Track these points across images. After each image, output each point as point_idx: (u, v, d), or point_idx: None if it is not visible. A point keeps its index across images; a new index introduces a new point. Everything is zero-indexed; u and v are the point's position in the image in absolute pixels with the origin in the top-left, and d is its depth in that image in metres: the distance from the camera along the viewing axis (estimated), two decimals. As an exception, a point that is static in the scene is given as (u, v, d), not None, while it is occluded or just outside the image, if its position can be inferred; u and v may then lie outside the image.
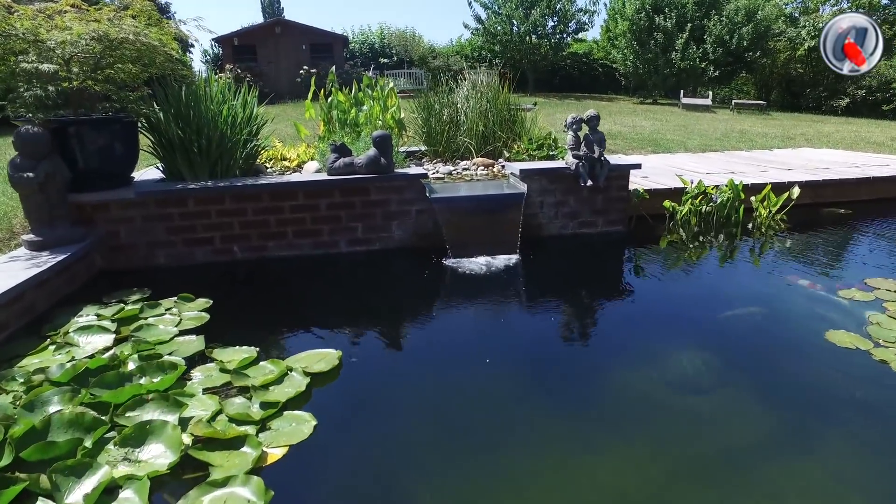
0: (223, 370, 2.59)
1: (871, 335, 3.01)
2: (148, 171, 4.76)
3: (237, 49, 24.61)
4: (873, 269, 4.22)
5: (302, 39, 24.99)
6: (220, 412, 2.26)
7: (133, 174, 4.34)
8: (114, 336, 2.90)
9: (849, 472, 2.10)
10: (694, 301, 3.73)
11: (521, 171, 4.54)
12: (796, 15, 25.55)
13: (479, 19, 27.20)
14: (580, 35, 28.13)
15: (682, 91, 21.99)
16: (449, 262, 4.20)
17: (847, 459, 2.18)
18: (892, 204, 6.24)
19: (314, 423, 2.22)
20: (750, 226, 5.31)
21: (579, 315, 3.51)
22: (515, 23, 25.82)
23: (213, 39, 26.12)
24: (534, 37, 26.23)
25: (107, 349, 2.78)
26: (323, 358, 2.72)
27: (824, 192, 6.09)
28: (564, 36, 26.98)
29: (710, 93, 22.56)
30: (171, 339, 2.90)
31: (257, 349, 2.80)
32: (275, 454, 2.04)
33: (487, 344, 3.10)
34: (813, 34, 22.17)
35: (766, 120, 17.07)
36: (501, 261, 4.24)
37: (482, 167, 5.26)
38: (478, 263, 4.17)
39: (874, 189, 6.27)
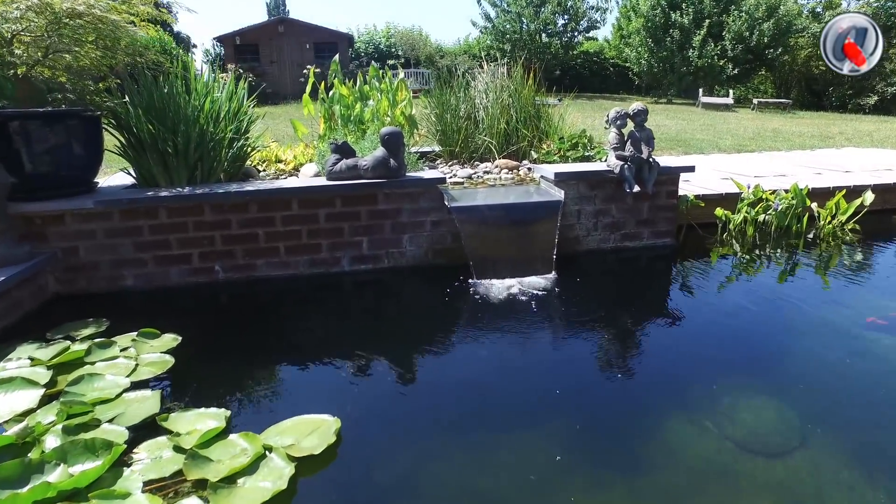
0: (178, 448, 1.89)
1: None
2: (116, 177, 4.08)
3: (239, 48, 24.06)
4: None
5: (306, 38, 24.41)
6: (162, 527, 1.57)
7: (97, 180, 3.66)
8: (42, 392, 2.22)
9: None
10: (760, 332, 3.01)
11: (557, 174, 3.83)
12: (819, 10, 24.68)
13: (487, 17, 26.50)
14: (591, 33, 27.46)
15: (700, 90, 21.20)
16: (472, 283, 3.50)
17: None
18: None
19: (298, 547, 1.52)
20: (811, 236, 4.59)
21: (625, 350, 2.80)
22: (525, 21, 25.10)
23: (214, 39, 25.63)
24: (544, 35, 25.52)
25: (28, 413, 2.10)
26: (315, 429, 2.03)
27: (893, 196, 5.34)
28: (575, 34, 26.27)
29: (731, 91, 21.73)
30: (118, 395, 2.22)
31: (228, 413, 2.11)
32: None
33: (521, 392, 2.41)
34: (837, 30, 21.32)
35: (793, 119, 16.27)
36: (535, 282, 3.54)
37: (506, 170, 4.57)
38: (507, 286, 3.47)
39: (950, 194, 5.51)
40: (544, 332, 2.99)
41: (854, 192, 4.88)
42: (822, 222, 4.69)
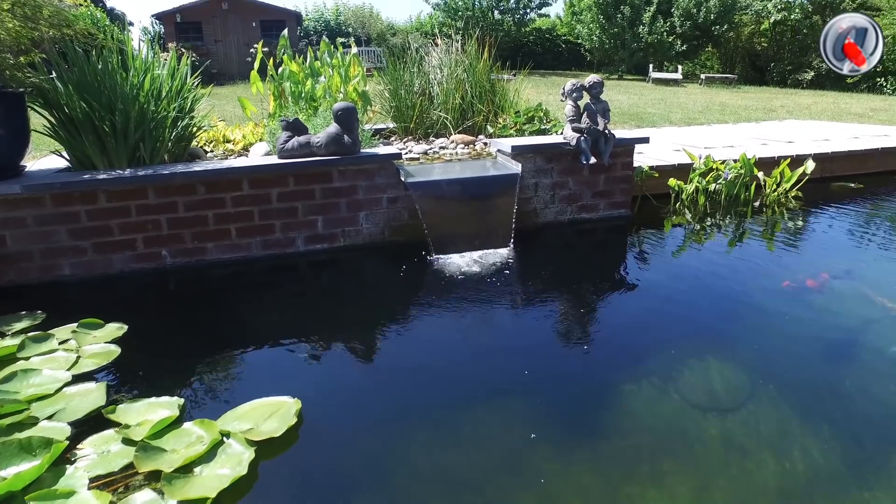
0: (127, 441, 1.79)
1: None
2: (47, 160, 3.82)
3: (181, 27, 22.94)
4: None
5: (252, 16, 23.47)
6: (111, 524, 1.48)
7: (24, 163, 3.41)
8: (-28, 391, 2.06)
9: None
10: (711, 297, 3.10)
11: (514, 147, 3.80)
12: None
13: (440, -6, 26.12)
14: (543, 10, 27.45)
15: (650, 66, 21.56)
16: (431, 259, 3.46)
17: None
18: (902, 176, 5.78)
19: (260, 533, 1.46)
20: (758, 204, 4.74)
21: (585, 320, 2.83)
22: (478, -3, 24.88)
23: (153, 16, 24.32)
24: (496, 12, 25.36)
25: (-42, 414, 1.95)
26: (275, 412, 1.96)
27: (832, 165, 5.57)
28: (527, 11, 26.22)
29: (680, 67, 22.18)
30: (58, 390, 2.09)
31: (181, 401, 2.02)
32: None
33: (484, 367, 2.40)
34: (780, 6, 22.01)
35: (739, 93, 16.76)
36: (494, 256, 3.52)
37: (462, 145, 4.51)
38: (466, 260, 3.45)
39: (884, 161, 5.79)
40: (505, 306, 2.98)
41: (797, 161, 5.06)
42: (767, 190, 4.84)
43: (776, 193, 4.84)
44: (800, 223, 4.38)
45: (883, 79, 19.43)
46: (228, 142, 4.45)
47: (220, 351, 2.52)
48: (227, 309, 3.00)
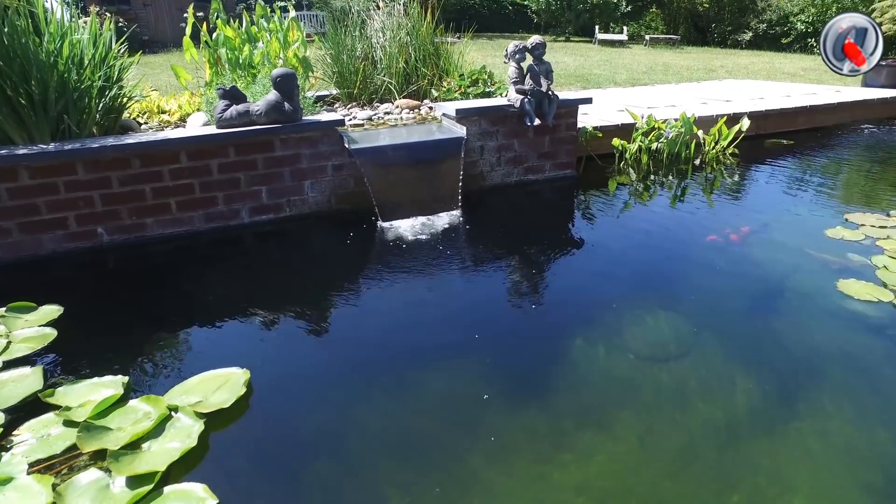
0: (69, 423, 1.75)
1: (884, 282, 2.63)
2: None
3: (106, -10, 21.40)
4: (847, 204, 3.94)
5: (184, -22, 22.13)
6: (54, 507, 1.46)
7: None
8: None
9: (850, 440, 1.76)
10: (654, 253, 3.23)
11: (458, 111, 3.79)
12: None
13: (382, -46, 25.24)
14: (490, -29, 26.98)
15: (596, 27, 21.64)
16: (379, 226, 3.45)
17: (858, 424, 1.78)
18: (827, 132, 6.09)
19: (213, 502, 1.47)
20: (698, 161, 4.91)
21: (533, 280, 2.91)
22: (422, -43, 24.19)
23: (74, -21, 22.57)
24: (442, -27, 24.77)
25: None
26: (223, 383, 1.94)
27: (766, 123, 5.81)
28: (474, -28, 25.72)
29: (626, 28, 22.36)
30: (-10, 377, 2.00)
31: (126, 379, 1.97)
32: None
33: (436, 329, 2.45)
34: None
35: (682, 54, 17.09)
36: (442, 220, 3.54)
37: (407, 110, 4.46)
38: (414, 226, 3.45)
39: (812, 118, 6.07)
40: (454, 269, 3.02)
41: (733, 119, 5.24)
42: (706, 148, 5.02)
43: (714, 151, 5.02)
44: (736, 179, 4.58)
45: (813, 39, 20.16)
46: (164, 112, 4.25)
47: (166, 328, 2.46)
48: (171, 285, 2.92)
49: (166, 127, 3.95)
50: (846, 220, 3.45)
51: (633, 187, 4.38)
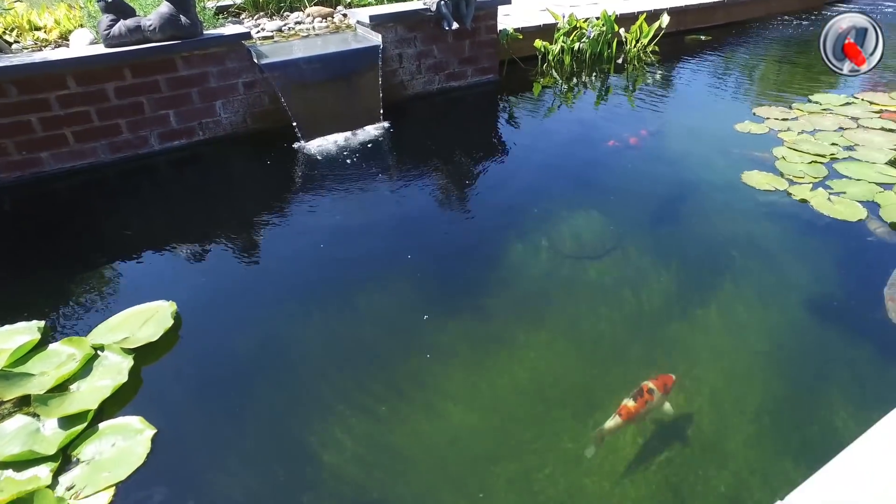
0: (-13, 372, 1.69)
1: (781, 172, 2.83)
2: None
3: None
4: (757, 97, 4.12)
5: None
6: (-15, 452, 1.44)
7: None
8: None
9: (747, 316, 2.00)
10: (579, 155, 3.32)
11: (372, 17, 3.58)
12: None
13: None
14: None
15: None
16: (300, 145, 3.33)
17: (753, 302, 2.03)
18: (744, 27, 6.21)
19: (151, 432, 1.50)
20: (620, 60, 4.94)
21: (460, 186, 2.96)
22: None
23: None
24: None
25: None
26: (150, 317, 1.91)
27: (685, 18, 5.84)
28: None
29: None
30: None
31: (42, 324, 1.90)
32: (91, 507, 1.33)
33: (368, 246, 2.47)
34: None
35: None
36: (365, 134, 3.46)
37: (319, 18, 4.18)
38: (336, 142, 3.36)
39: (728, 13, 6.15)
40: (381, 183, 2.99)
41: (654, 16, 5.22)
42: (628, 46, 5.03)
43: (636, 49, 5.04)
44: (658, 77, 4.64)
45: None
46: (38, 29, 3.79)
47: (82, 267, 2.36)
48: (83, 223, 2.75)
49: (45, 47, 3.54)
50: (754, 114, 3.62)
51: (556, 89, 4.38)
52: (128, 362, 1.70)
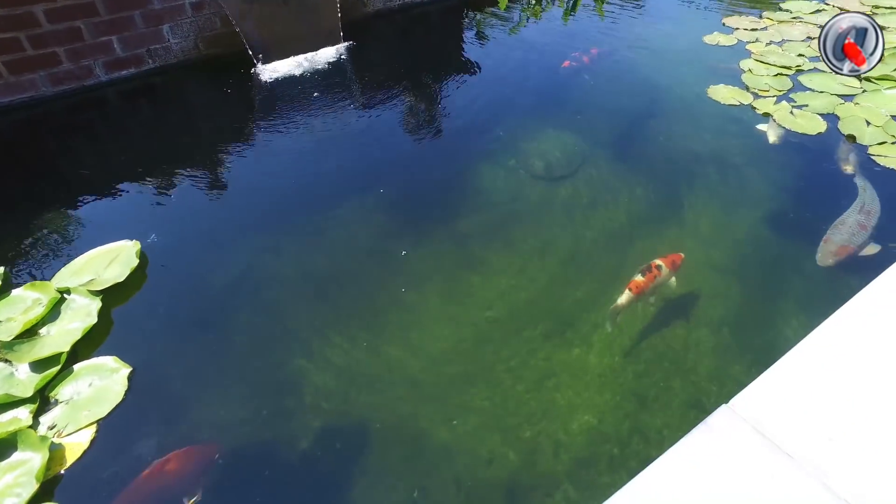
0: (-51, 321, 1.67)
1: (747, 86, 2.82)
2: None
3: None
4: (729, 5, 4.00)
5: None
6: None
7: None
8: None
9: (713, 226, 2.09)
10: (545, 76, 3.24)
11: (325, -76, 3.31)
12: None
13: None
14: None
15: None
16: (257, 70, 3.17)
17: (719, 213, 2.11)
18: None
19: (127, 370, 1.52)
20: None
21: (429, 110, 2.90)
22: None
23: None
24: None
25: None
26: (114, 258, 1.89)
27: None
28: None
29: None
30: None
31: (2, 269, 1.86)
32: (76, 445, 1.37)
33: (336, 174, 2.44)
34: None
35: None
36: (325, 55, 3.31)
37: (269, -74, 3.84)
38: (296, 65, 3.21)
39: None
40: (346, 107, 2.90)
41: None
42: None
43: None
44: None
45: None
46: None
47: (38, 210, 2.27)
48: (31, 163, 2.62)
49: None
50: (724, 24, 3.55)
51: (524, 2, 4.19)
52: (96, 304, 1.70)
